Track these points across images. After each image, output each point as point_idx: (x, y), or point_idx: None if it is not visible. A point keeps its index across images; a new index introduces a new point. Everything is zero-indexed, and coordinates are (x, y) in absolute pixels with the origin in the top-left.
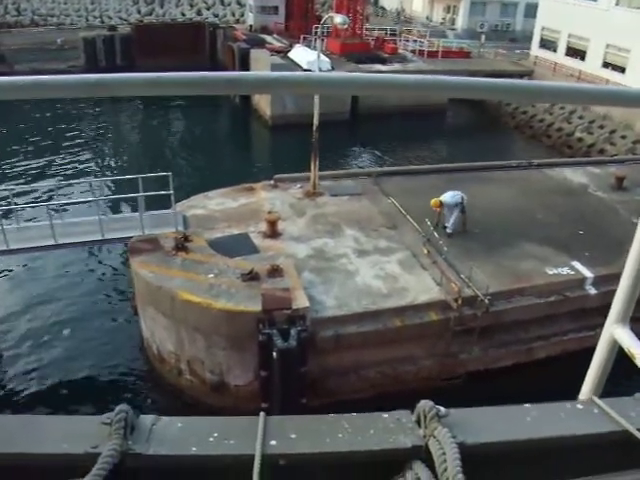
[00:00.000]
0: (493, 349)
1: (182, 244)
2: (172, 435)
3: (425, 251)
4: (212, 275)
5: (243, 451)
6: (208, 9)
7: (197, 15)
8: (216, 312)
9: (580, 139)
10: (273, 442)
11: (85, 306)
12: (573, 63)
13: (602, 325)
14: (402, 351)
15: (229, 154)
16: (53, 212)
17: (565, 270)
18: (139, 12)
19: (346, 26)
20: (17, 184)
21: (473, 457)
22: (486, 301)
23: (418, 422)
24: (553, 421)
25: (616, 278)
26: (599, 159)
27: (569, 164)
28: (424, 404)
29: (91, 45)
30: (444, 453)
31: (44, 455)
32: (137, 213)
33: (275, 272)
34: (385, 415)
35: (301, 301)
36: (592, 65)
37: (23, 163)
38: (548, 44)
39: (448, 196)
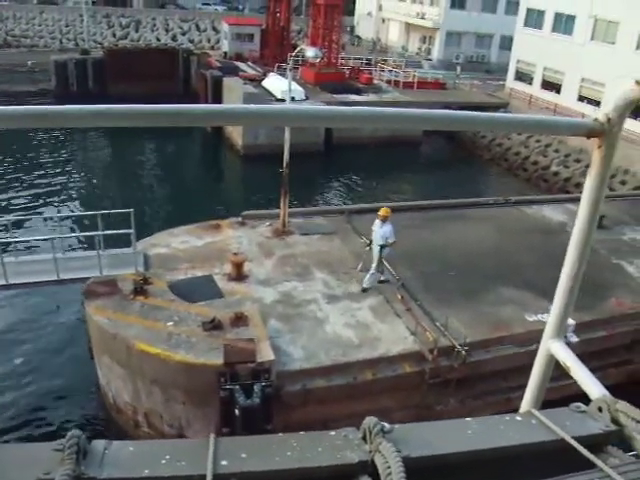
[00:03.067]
0: (470, 400)
1: (141, 287)
2: (124, 459)
3: (399, 296)
4: (172, 323)
5: (195, 472)
6: (184, 34)
7: (172, 40)
8: (174, 364)
9: (556, 173)
10: (224, 462)
11: (39, 346)
12: (549, 96)
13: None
14: (374, 404)
15: (199, 186)
16: (4, 249)
17: (545, 317)
18: (114, 36)
19: (318, 60)
20: None
21: (417, 470)
22: (463, 352)
23: (364, 438)
24: (493, 433)
25: (600, 324)
26: (577, 196)
27: (547, 201)
28: (369, 420)
29: (62, 68)
30: (389, 467)
31: None
32: (95, 252)
33: (239, 320)
34: (332, 433)
35: (266, 353)
36: (567, 98)
37: None
38: (524, 76)
39: (378, 225)
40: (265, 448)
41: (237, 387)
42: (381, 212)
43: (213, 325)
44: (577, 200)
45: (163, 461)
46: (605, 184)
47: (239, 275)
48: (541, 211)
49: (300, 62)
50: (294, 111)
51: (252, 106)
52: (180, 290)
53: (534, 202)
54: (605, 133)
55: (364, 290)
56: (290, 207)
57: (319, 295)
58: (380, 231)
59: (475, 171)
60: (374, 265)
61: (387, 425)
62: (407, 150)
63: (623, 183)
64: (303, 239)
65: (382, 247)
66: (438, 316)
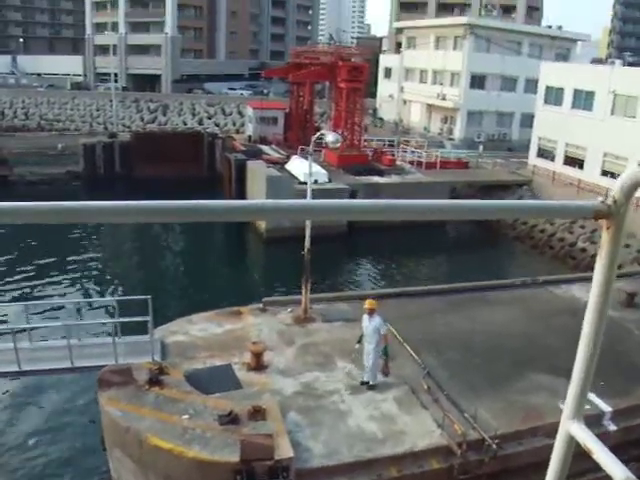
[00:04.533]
0: None
1: (157, 377)
2: None
3: (425, 386)
4: (187, 416)
5: None
6: (209, 118)
7: (199, 124)
8: (188, 461)
9: (583, 249)
10: None
11: (51, 434)
12: (572, 172)
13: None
14: None
15: (221, 270)
16: (20, 335)
17: None
18: (142, 119)
19: (339, 144)
20: None
21: None
22: (494, 445)
23: None
24: None
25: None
26: None
27: (576, 280)
28: None
29: (91, 151)
30: None
31: None
32: (111, 339)
33: (257, 414)
34: None
35: (285, 450)
36: (591, 174)
37: None
38: (546, 153)
39: (367, 320)
40: None
41: None
42: (367, 304)
43: (230, 419)
44: None
45: None
46: (615, 264)
47: (258, 365)
48: (570, 290)
49: (323, 144)
50: (314, 205)
51: (271, 201)
52: (197, 380)
53: (562, 281)
54: (612, 215)
55: (371, 387)
56: (312, 292)
57: (341, 386)
58: (371, 326)
59: (501, 250)
60: (371, 362)
61: None
62: (431, 231)
63: (627, 246)
64: (325, 326)
65: (385, 348)
66: (466, 406)
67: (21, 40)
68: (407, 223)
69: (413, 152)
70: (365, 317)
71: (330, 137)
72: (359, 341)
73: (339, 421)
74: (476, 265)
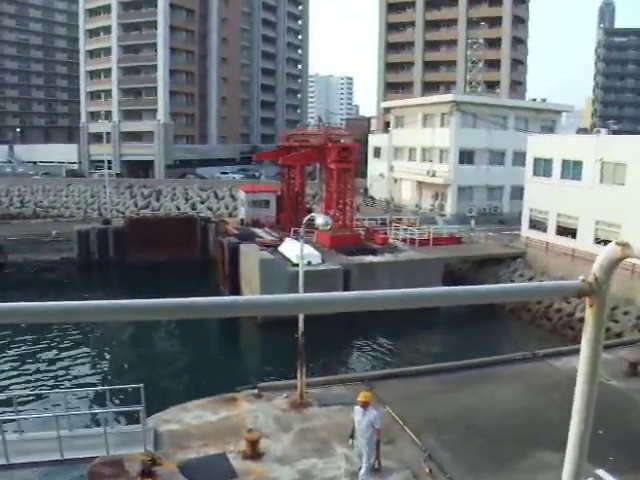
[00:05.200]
0: None
1: (149, 469)
2: None
3: (427, 469)
4: None
5: None
6: (202, 202)
7: (192, 209)
8: None
9: (581, 319)
10: None
11: None
12: (565, 242)
13: None
14: None
15: (215, 354)
16: (8, 426)
17: None
18: (136, 205)
19: (329, 227)
20: None
21: None
22: None
23: None
24: None
25: None
26: (607, 343)
27: (575, 352)
28: None
29: (85, 237)
30: None
31: None
32: (102, 429)
33: None
34: None
35: None
36: (584, 242)
37: None
38: (538, 224)
39: (360, 413)
40: None
41: None
42: (361, 397)
43: None
44: (606, 347)
45: None
46: (601, 340)
47: (254, 453)
48: (570, 362)
49: (315, 226)
50: (305, 299)
51: (263, 297)
52: (192, 470)
53: (562, 354)
54: (594, 292)
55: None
56: (308, 375)
57: (341, 472)
58: (365, 420)
59: (498, 325)
60: (364, 463)
61: None
62: (427, 309)
63: (626, 314)
64: (322, 411)
65: (378, 442)
66: None
67: (18, 130)
68: None
69: (405, 230)
70: (357, 410)
71: (320, 220)
72: (352, 436)
73: None
74: (474, 341)
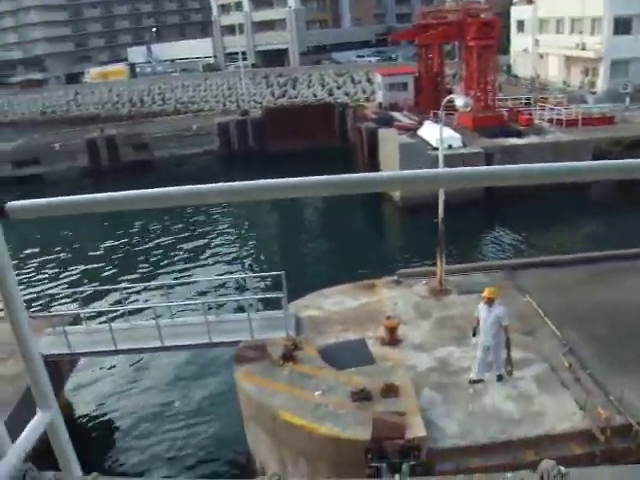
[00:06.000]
0: None
1: (291, 353)
2: None
3: (566, 364)
4: (319, 392)
5: None
6: (339, 88)
7: (329, 95)
8: (320, 437)
9: None
10: None
11: (193, 406)
12: None
13: None
14: None
15: (355, 241)
16: (160, 312)
17: None
18: (273, 95)
19: (469, 108)
20: (127, 284)
21: None
22: None
23: None
24: None
25: None
26: None
27: None
28: (546, 464)
29: (224, 130)
30: None
31: None
32: (246, 314)
33: (390, 391)
34: (509, 474)
35: (417, 429)
36: None
37: (133, 263)
38: None
39: (485, 310)
40: None
41: (384, 465)
42: (486, 293)
43: (362, 396)
44: None
45: None
46: None
47: (392, 339)
48: None
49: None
50: (449, 173)
51: (413, 172)
52: (331, 355)
53: None
54: None
55: (473, 382)
56: (447, 262)
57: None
58: (491, 317)
59: None
60: (493, 358)
61: (564, 469)
62: (573, 195)
63: None
64: (461, 299)
65: (507, 340)
66: (612, 388)
67: (154, 30)
68: (548, 186)
69: (552, 109)
70: (482, 307)
71: (460, 101)
72: (474, 334)
73: (474, 399)
74: (624, 231)
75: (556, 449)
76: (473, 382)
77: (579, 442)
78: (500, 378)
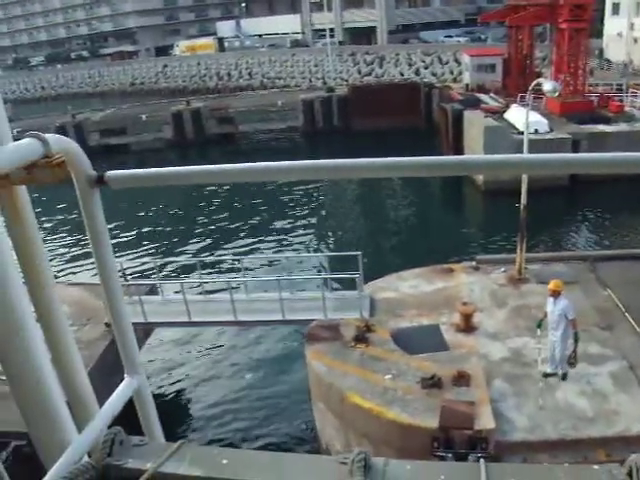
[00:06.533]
0: None
1: (363, 335)
2: (404, 475)
3: None
4: (389, 376)
5: None
6: (426, 68)
7: (415, 74)
8: (386, 422)
9: None
10: None
11: (264, 381)
12: None
13: None
14: None
15: (435, 223)
16: (235, 287)
17: None
18: (359, 72)
19: (557, 93)
20: (204, 257)
21: None
22: None
23: (630, 475)
24: None
25: None
26: None
27: None
28: (636, 457)
29: (309, 106)
30: None
31: None
32: (320, 293)
33: (461, 379)
34: (596, 467)
35: (486, 420)
36: None
37: (211, 237)
38: None
39: (552, 304)
40: (533, 475)
41: (450, 455)
42: (551, 285)
43: (432, 383)
44: None
45: None
46: None
47: (467, 326)
48: None
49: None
50: (533, 159)
51: (493, 156)
52: (403, 338)
53: None
54: None
55: (546, 375)
56: (528, 250)
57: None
58: (556, 310)
59: None
60: (559, 352)
61: None
62: None
63: None
64: (539, 288)
65: (576, 334)
66: None
67: (243, 5)
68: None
69: None
70: (550, 300)
71: (548, 85)
72: (539, 325)
73: (546, 393)
74: None
75: (630, 451)
76: (546, 375)
77: None
78: (565, 377)
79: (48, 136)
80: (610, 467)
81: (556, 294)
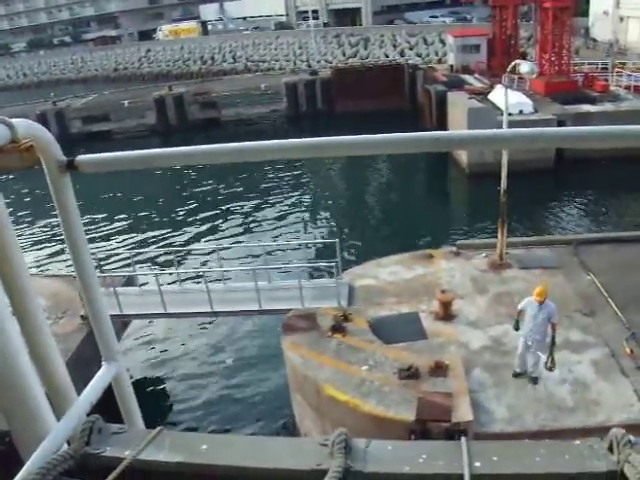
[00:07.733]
0: None
1: (340, 324)
2: (385, 456)
3: (628, 350)
4: (366, 367)
5: (452, 471)
6: (411, 49)
7: (400, 56)
8: (362, 415)
9: None
10: (477, 464)
11: (241, 372)
12: None
13: None
14: None
15: (417, 206)
16: (211, 277)
17: None
18: (344, 54)
19: (534, 75)
20: (180, 248)
21: None
22: None
23: (610, 449)
24: None
25: None
26: None
27: None
28: (616, 432)
29: (293, 90)
30: None
31: (273, 470)
32: (297, 282)
33: (439, 370)
34: (577, 442)
35: (464, 412)
36: None
37: (186, 226)
38: None
39: (535, 308)
40: (514, 453)
41: None
42: (537, 293)
43: (409, 373)
44: None
45: (420, 460)
46: None
47: (446, 314)
48: None
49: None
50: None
51: (478, 132)
52: (381, 328)
53: None
54: None
55: (515, 375)
56: (510, 234)
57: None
58: (541, 315)
59: None
60: (538, 355)
61: (633, 438)
62: None
63: None
64: (522, 274)
65: (553, 337)
66: None
67: None
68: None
69: (629, 76)
70: (531, 302)
71: (525, 67)
72: (516, 328)
73: (527, 382)
74: None
75: None
76: (516, 375)
77: (636, 436)
78: (535, 381)
79: (15, 120)
80: (591, 442)
81: (543, 301)
